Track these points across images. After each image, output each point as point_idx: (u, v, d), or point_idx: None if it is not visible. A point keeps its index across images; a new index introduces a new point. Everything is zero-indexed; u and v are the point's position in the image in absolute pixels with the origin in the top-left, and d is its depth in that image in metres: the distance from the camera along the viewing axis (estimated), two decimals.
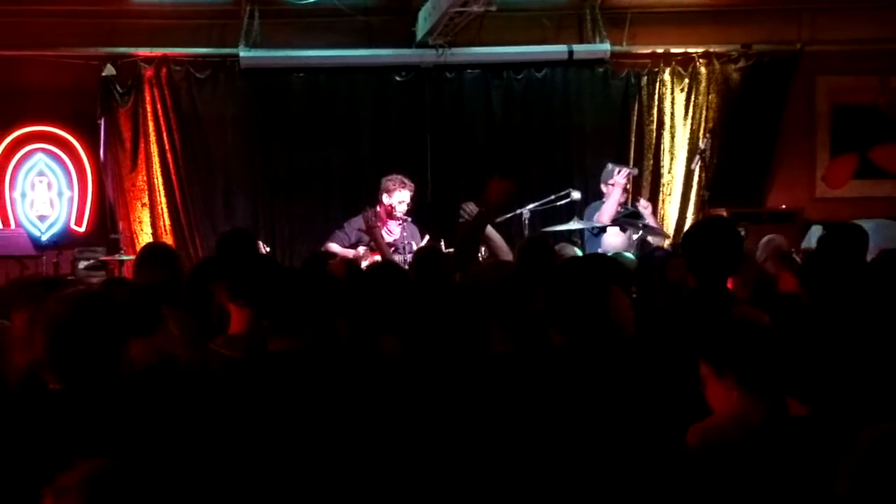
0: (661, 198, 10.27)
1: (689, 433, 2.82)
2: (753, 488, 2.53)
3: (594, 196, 8.90)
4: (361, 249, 8.28)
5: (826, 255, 5.01)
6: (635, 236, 8.30)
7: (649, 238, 8.51)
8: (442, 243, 8.28)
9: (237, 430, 2.22)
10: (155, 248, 6.16)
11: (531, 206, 8.71)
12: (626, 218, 8.48)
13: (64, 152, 9.86)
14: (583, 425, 2.92)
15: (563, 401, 2.98)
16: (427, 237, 8.47)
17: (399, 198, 8.40)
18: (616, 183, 8.37)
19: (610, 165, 8.62)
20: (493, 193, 8.16)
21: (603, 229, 8.26)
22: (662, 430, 3.00)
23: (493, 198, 8.12)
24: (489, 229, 8.36)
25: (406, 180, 8.48)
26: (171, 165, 9.81)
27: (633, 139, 10.24)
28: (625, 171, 8.50)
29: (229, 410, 2.16)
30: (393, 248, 8.41)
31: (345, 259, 7.02)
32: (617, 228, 8.20)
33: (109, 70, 9.64)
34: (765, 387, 2.67)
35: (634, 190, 9.95)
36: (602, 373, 3.15)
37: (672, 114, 10.27)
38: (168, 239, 9.77)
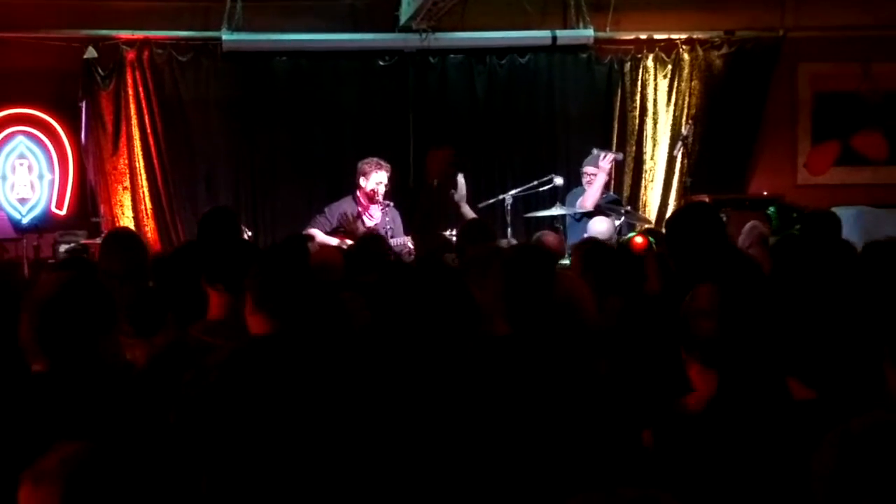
0: (643, 184, 10.29)
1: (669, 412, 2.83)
2: (724, 470, 2.55)
3: (577, 182, 8.93)
4: (335, 241, 8.22)
5: (800, 238, 5.06)
6: (618, 222, 8.32)
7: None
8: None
9: (221, 416, 2.21)
10: (119, 233, 6.12)
11: (514, 191, 8.73)
12: (609, 204, 8.50)
13: (45, 135, 9.79)
14: (525, 414, 2.91)
15: (506, 390, 2.97)
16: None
17: (376, 179, 8.39)
18: (602, 168, 8.37)
19: (595, 150, 8.61)
20: (434, 165, 8.20)
21: (586, 215, 8.28)
22: (625, 415, 3.01)
23: (434, 169, 8.16)
24: (465, 209, 8.40)
25: (382, 161, 8.47)
26: (152, 149, 9.76)
27: (615, 125, 10.25)
28: (610, 156, 8.50)
29: (214, 396, 2.16)
30: None
31: (341, 248, 7.02)
32: (603, 215, 8.21)
33: (91, 52, 9.58)
34: (732, 368, 2.67)
35: (617, 176, 10.01)
36: (549, 360, 3.14)
37: (655, 100, 10.28)
38: (150, 223, 9.74)
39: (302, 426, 2.00)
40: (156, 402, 2.68)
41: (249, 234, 8.60)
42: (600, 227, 7.99)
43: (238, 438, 2.12)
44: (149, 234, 9.64)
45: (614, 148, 10.01)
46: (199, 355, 3.06)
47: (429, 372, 2.76)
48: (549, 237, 7.15)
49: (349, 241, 8.15)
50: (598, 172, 8.37)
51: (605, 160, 8.39)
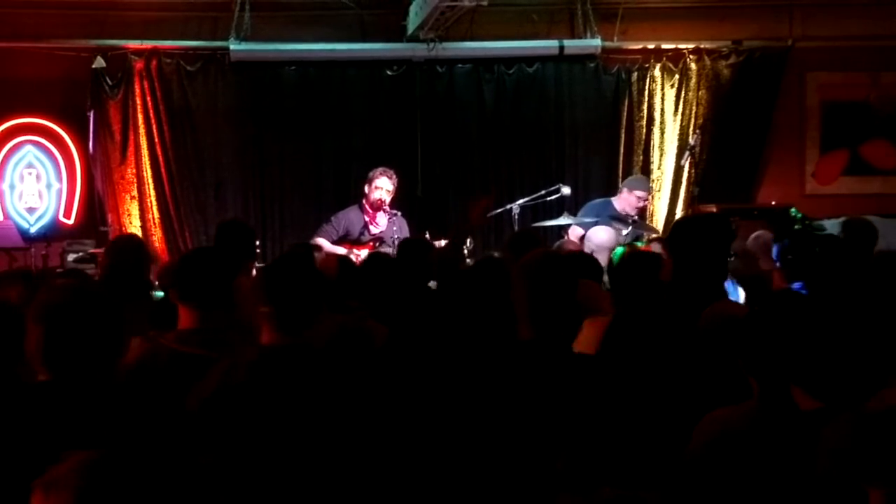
0: (650, 193, 10.26)
1: (704, 420, 2.82)
2: (755, 480, 2.54)
3: (585, 191, 8.92)
4: (342, 250, 8.23)
5: (843, 248, 5.06)
6: (625, 232, 8.31)
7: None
8: (427, 236, 8.30)
9: (230, 424, 2.22)
10: (124, 240, 6.12)
11: (521, 200, 8.74)
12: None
13: (53, 144, 9.82)
14: (541, 416, 2.92)
15: (526, 392, 2.98)
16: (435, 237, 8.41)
17: (377, 185, 8.42)
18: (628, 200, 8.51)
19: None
20: (475, 213, 8.24)
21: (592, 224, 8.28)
22: (642, 421, 3.01)
23: (475, 216, 8.20)
24: None
25: (387, 169, 8.52)
26: (160, 158, 9.78)
27: (623, 134, 10.24)
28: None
29: (223, 405, 2.16)
30: (379, 241, 8.42)
31: (338, 255, 6.99)
32: (604, 225, 8.20)
33: (99, 62, 9.61)
34: (769, 378, 2.66)
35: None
36: (568, 365, 3.16)
37: (662, 109, 10.27)
38: (157, 232, 9.77)
39: (317, 433, 2.00)
40: (167, 410, 2.68)
41: (256, 242, 8.59)
42: (601, 236, 7.97)
43: (248, 448, 2.12)
44: (156, 243, 9.67)
45: (621, 157, 10.08)
46: (175, 364, 3.08)
47: (449, 374, 2.77)
48: (571, 245, 7.17)
49: (356, 251, 8.17)
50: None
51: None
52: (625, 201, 8.62)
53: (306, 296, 3.10)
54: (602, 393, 3.15)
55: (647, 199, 8.71)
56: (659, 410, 3.22)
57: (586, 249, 7.68)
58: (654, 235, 9.01)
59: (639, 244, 7.48)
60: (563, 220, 8.43)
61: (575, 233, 8.23)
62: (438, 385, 2.89)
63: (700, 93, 10.28)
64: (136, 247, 5.20)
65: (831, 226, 7.74)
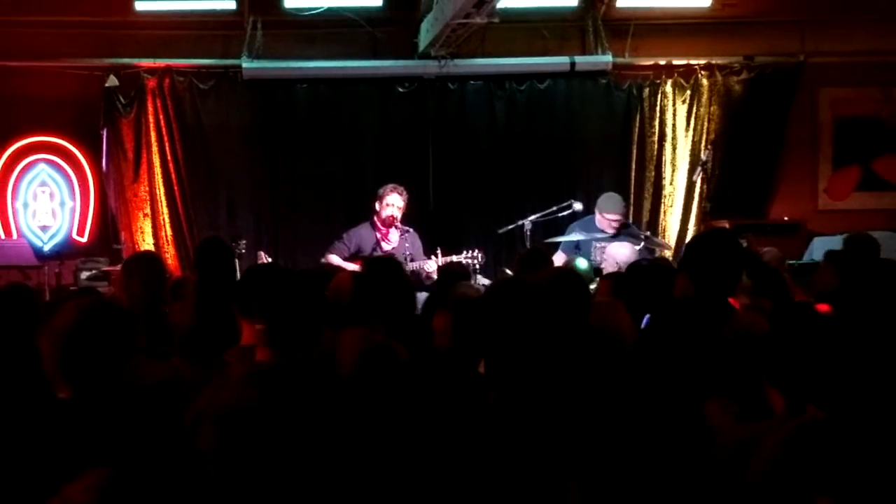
0: (662, 209, 10.27)
1: (726, 438, 2.81)
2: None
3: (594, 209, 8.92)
4: (354, 267, 8.25)
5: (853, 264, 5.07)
6: (637, 248, 8.30)
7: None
8: (439, 251, 8.32)
9: (245, 442, 2.21)
10: (141, 256, 6.14)
11: (533, 217, 8.72)
12: (628, 230, 8.51)
13: (66, 163, 9.87)
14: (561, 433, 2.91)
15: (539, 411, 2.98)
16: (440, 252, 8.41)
17: (388, 201, 8.44)
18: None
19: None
20: None
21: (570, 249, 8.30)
22: (658, 439, 3.00)
23: None
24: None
25: (397, 186, 8.54)
26: (173, 176, 9.81)
27: (634, 151, 10.24)
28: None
29: (238, 421, 2.15)
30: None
31: (353, 273, 6.99)
32: (625, 241, 8.19)
33: (112, 81, 9.66)
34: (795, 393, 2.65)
35: (636, 201, 10.03)
36: (584, 383, 3.15)
37: (674, 125, 10.27)
38: (170, 249, 9.80)
39: (314, 451, 2.00)
40: (176, 426, 2.68)
41: (268, 259, 8.61)
42: (621, 251, 7.96)
43: (240, 464, 2.11)
44: (169, 261, 9.68)
45: (633, 174, 10.08)
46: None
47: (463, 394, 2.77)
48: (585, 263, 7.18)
49: None
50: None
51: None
52: (600, 223, 8.53)
53: (298, 313, 3.08)
54: (618, 410, 3.14)
55: (618, 220, 8.51)
56: (681, 428, 3.21)
57: (608, 266, 7.70)
58: (667, 252, 9.02)
59: None
60: (574, 237, 8.43)
61: (560, 259, 8.20)
62: (454, 404, 2.88)
63: (712, 108, 10.27)
64: (156, 263, 5.23)
65: (833, 242, 7.74)
